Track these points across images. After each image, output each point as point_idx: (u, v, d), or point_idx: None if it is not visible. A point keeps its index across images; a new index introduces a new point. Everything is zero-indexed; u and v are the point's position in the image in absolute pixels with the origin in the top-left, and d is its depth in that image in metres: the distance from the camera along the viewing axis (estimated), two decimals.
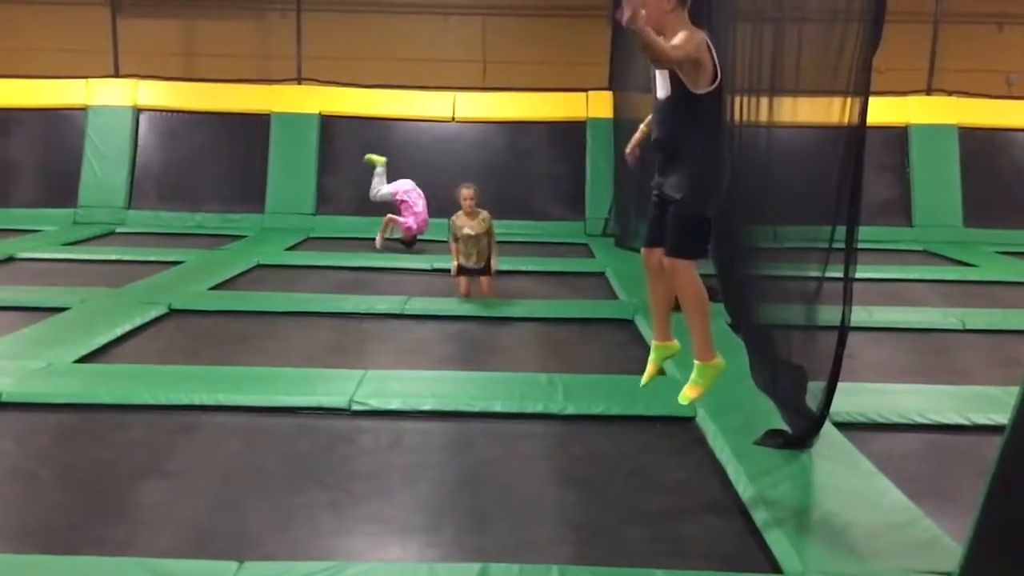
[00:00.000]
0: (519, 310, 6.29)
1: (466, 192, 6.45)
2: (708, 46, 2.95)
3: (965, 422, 4.09)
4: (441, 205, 8.82)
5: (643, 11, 2.92)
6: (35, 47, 11.63)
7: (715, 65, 3.00)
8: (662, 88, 3.06)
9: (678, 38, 2.93)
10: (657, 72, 3.05)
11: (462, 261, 6.49)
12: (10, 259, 8.13)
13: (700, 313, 3.03)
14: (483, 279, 6.59)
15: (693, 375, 3.25)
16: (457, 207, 6.49)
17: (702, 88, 2.96)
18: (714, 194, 3.01)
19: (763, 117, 4.46)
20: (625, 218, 9.99)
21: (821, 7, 4.00)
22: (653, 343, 3.33)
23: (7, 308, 6.03)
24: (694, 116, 2.97)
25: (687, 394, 3.39)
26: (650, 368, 3.53)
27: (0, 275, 7.46)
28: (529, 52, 11.80)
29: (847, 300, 3.25)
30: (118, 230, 10.37)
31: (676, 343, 3.60)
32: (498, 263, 6.66)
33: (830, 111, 3.44)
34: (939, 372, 5.10)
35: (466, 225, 6.44)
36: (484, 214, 6.50)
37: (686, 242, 2.98)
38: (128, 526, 3.03)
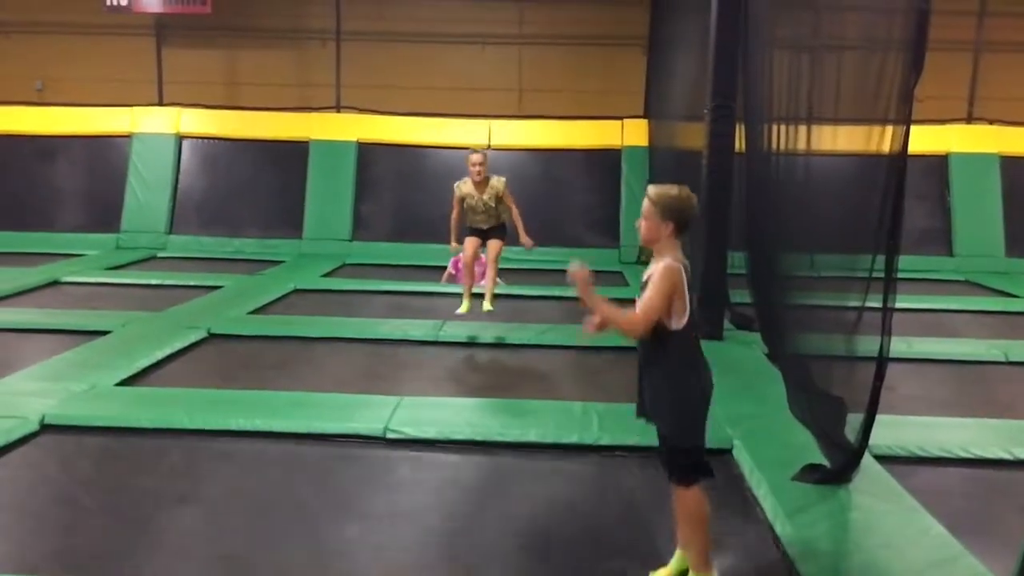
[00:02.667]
0: (553, 337, 6.27)
1: (475, 157, 5.60)
2: (684, 280, 2.88)
3: (1009, 457, 4.00)
4: None
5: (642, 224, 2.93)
6: (83, 77, 11.94)
7: (687, 298, 2.91)
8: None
9: (653, 278, 2.88)
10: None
11: (469, 221, 5.69)
12: (54, 283, 8.30)
13: (700, 530, 2.98)
14: (492, 243, 5.73)
15: (673, 563, 3.13)
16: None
17: (673, 325, 2.88)
18: (699, 421, 2.97)
19: (801, 145, 4.45)
20: None
21: (860, 35, 3.98)
22: (677, 551, 3.15)
23: (51, 331, 6.16)
24: (667, 351, 2.90)
25: None
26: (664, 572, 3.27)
27: (44, 298, 7.61)
28: (565, 80, 11.87)
29: (886, 330, 3.20)
30: (159, 255, 10.55)
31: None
32: (531, 242, 5.85)
33: (870, 139, 3.42)
34: (981, 405, 5.00)
35: (474, 195, 5.63)
36: (495, 180, 5.68)
37: (688, 471, 2.95)
38: (166, 556, 3.05)
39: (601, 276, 9.66)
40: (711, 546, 2.95)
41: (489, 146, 11.43)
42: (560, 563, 3.06)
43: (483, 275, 6.20)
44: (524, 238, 6.00)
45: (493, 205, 5.66)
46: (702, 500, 2.96)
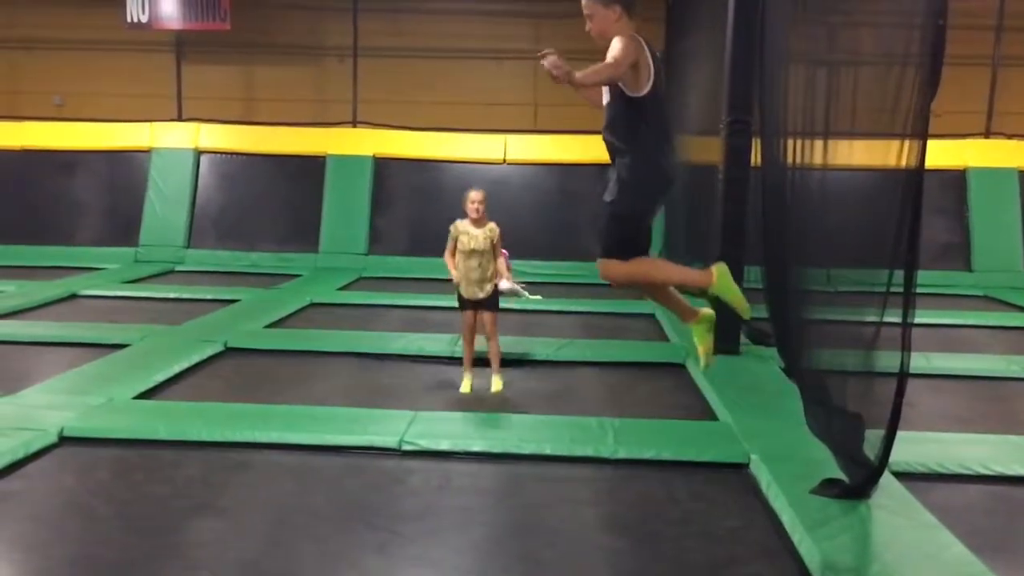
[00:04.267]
0: (568, 352, 6.26)
1: (474, 195, 5.37)
2: (645, 49, 2.93)
3: None
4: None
5: (592, 26, 2.97)
6: (103, 92, 12.09)
7: (652, 67, 2.96)
8: (605, 93, 3.06)
9: (612, 48, 2.92)
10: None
11: (464, 291, 5.32)
12: (73, 296, 8.38)
13: (661, 292, 3.00)
14: (486, 316, 5.33)
15: (695, 341, 3.15)
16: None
17: (640, 91, 2.93)
18: (647, 196, 2.96)
19: (817, 159, 4.43)
20: (675, 260, 9.93)
21: (877, 50, 3.98)
22: (690, 325, 3.18)
23: (70, 344, 6.21)
24: (632, 119, 2.95)
25: (703, 360, 3.25)
26: (701, 349, 3.33)
27: (63, 312, 7.68)
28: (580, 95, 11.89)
29: (906, 346, 3.18)
30: (177, 268, 10.63)
31: (705, 311, 3.44)
32: (517, 287, 5.55)
33: (887, 154, 3.40)
34: (1001, 421, 4.95)
35: (471, 234, 5.32)
36: (492, 225, 5.41)
37: (613, 244, 2.93)
38: (182, 564, 3.06)
39: (616, 291, 9.65)
40: (672, 272, 2.95)
41: (505, 161, 11.48)
42: (570, 563, 3.05)
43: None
44: (506, 275, 5.70)
45: (488, 249, 5.32)
46: (634, 266, 2.94)
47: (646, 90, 2.88)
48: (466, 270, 5.32)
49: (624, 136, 2.96)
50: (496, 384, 5.36)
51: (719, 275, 3.07)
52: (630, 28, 2.92)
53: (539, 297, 8.56)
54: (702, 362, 3.25)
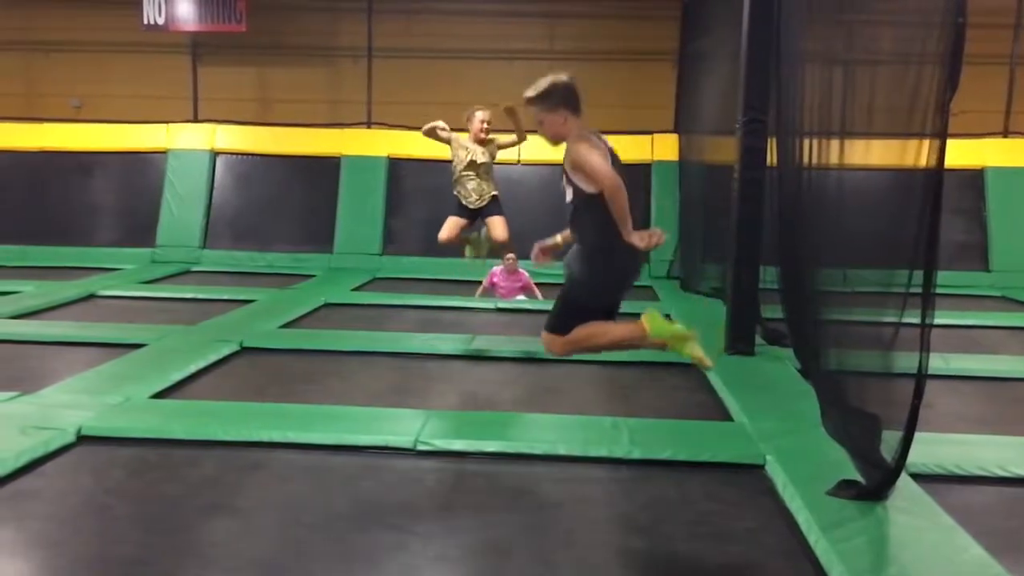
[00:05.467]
0: (582, 353, 6.24)
1: (483, 115, 5.34)
2: (600, 146, 3.05)
3: None
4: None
5: (547, 128, 3.08)
6: (120, 94, 12.17)
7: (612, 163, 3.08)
8: (567, 192, 3.16)
9: (578, 159, 3.02)
10: (564, 179, 3.16)
11: (459, 195, 5.31)
12: (91, 296, 8.44)
13: (600, 343, 3.09)
14: (494, 221, 5.33)
15: (685, 355, 3.18)
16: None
17: (595, 188, 3.03)
18: (598, 289, 3.08)
19: (834, 159, 4.41)
20: (690, 260, 9.92)
21: (894, 49, 3.96)
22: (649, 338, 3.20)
23: (87, 344, 6.25)
24: (588, 213, 3.06)
25: (705, 362, 3.23)
26: (695, 357, 3.29)
27: (81, 312, 7.74)
28: (594, 95, 11.75)
29: (924, 347, 3.16)
30: (193, 269, 10.69)
31: (645, 315, 3.37)
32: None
33: (905, 154, 3.39)
34: (1020, 423, 4.91)
35: (470, 148, 5.25)
36: (494, 136, 5.35)
37: (559, 323, 3.07)
38: (198, 562, 3.08)
39: (631, 291, 9.64)
40: (610, 334, 3.02)
41: (519, 161, 11.48)
42: (585, 563, 3.04)
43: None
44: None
45: (488, 162, 5.38)
46: (571, 340, 3.03)
47: (596, 188, 2.98)
48: (461, 183, 5.41)
49: (580, 230, 3.09)
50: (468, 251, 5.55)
51: (651, 324, 3.11)
52: (579, 126, 3.05)
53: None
54: (708, 364, 3.22)
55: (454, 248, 6.52)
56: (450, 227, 5.89)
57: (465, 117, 5.74)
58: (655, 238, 2.97)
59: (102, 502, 3.58)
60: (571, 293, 3.04)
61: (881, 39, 4.32)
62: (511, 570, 3.06)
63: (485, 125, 5.47)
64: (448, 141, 5.62)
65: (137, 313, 7.71)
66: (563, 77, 3.08)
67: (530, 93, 3.07)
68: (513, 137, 5.66)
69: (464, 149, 5.48)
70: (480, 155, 5.38)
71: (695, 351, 3.10)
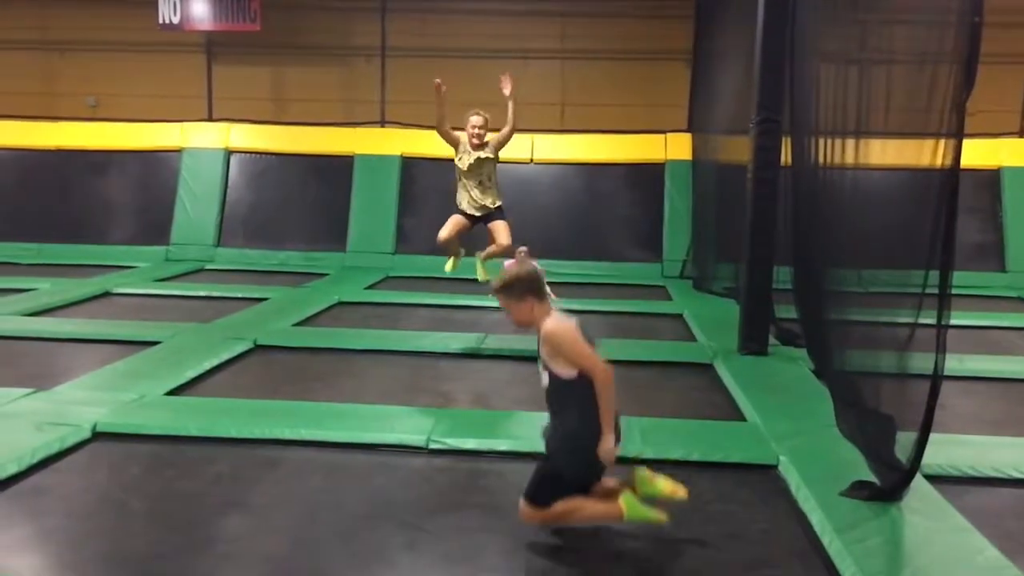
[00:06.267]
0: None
1: (475, 120, 5.29)
2: (578, 329, 3.13)
3: None
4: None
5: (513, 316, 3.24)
6: (135, 93, 12.24)
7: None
8: (543, 377, 3.22)
9: (557, 344, 3.11)
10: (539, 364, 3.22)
11: (466, 208, 5.23)
12: (106, 294, 8.49)
13: (574, 519, 3.25)
14: (497, 227, 5.21)
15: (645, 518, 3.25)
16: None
17: (568, 374, 3.10)
18: (572, 468, 3.15)
19: (849, 159, 4.39)
20: (703, 260, 9.90)
21: (910, 48, 3.94)
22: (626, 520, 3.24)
23: (102, 341, 6.29)
24: (563, 396, 3.14)
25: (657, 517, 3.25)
26: (656, 519, 3.27)
27: (96, 309, 7.79)
28: (607, 95, 11.87)
29: (940, 348, 3.14)
30: (207, 267, 10.74)
31: (625, 497, 3.32)
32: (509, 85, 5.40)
33: (921, 154, 3.37)
34: None
35: (470, 152, 5.23)
36: (489, 137, 5.28)
37: (537, 494, 3.16)
38: (212, 558, 3.09)
39: (644, 291, 9.66)
40: (586, 512, 3.17)
41: (532, 160, 11.48)
42: (597, 563, 3.04)
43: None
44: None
45: (491, 156, 5.33)
46: (552, 510, 3.13)
47: (575, 373, 3.05)
48: (463, 189, 5.37)
49: (560, 414, 3.19)
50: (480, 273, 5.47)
51: (627, 508, 3.16)
52: (545, 311, 3.15)
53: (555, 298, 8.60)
54: (662, 520, 3.19)
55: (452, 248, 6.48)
56: (451, 227, 5.85)
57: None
58: (610, 457, 3.13)
59: (117, 498, 3.60)
60: (551, 470, 3.16)
61: (896, 38, 4.30)
62: (522, 568, 3.06)
63: (476, 130, 5.43)
64: (456, 143, 5.60)
65: (151, 311, 7.75)
66: (526, 267, 3.21)
67: (496, 284, 3.19)
68: (506, 129, 5.59)
69: (467, 153, 5.52)
70: (481, 154, 5.42)
71: (653, 518, 3.20)
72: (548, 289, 8.25)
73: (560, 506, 3.14)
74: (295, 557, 3.10)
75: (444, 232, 6.04)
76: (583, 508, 3.18)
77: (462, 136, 5.63)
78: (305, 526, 3.35)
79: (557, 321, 3.14)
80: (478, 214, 5.81)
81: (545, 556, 3.17)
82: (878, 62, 4.29)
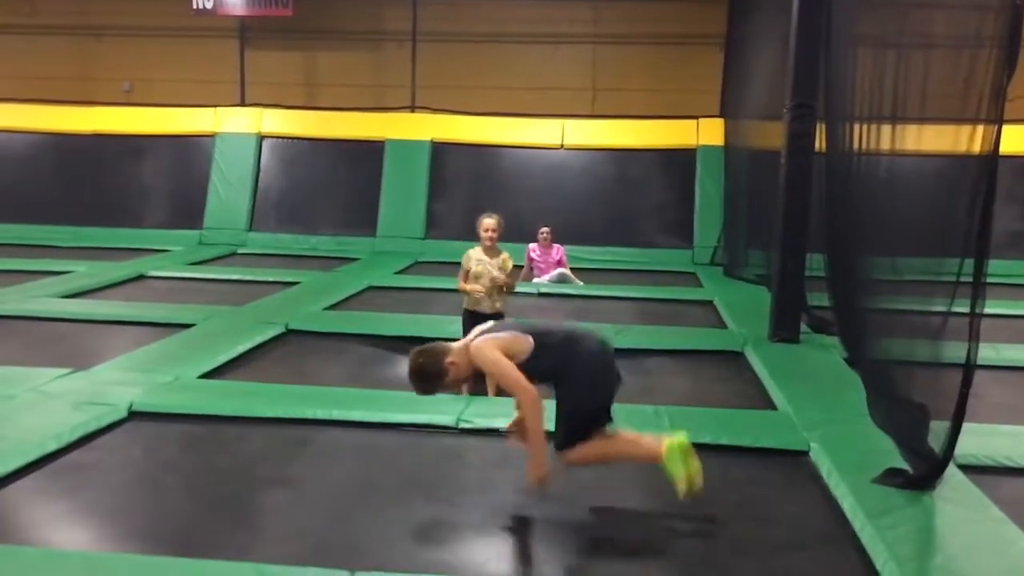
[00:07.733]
0: (625, 338, 6.23)
1: (488, 222, 5.39)
2: (491, 343, 3.27)
3: None
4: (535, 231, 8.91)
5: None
6: (169, 78, 12.36)
7: (533, 337, 3.29)
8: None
9: (488, 371, 3.31)
10: None
11: (469, 304, 5.37)
12: (140, 277, 8.62)
13: (612, 455, 3.36)
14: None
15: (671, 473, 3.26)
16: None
17: (521, 359, 3.25)
18: (586, 396, 3.31)
19: (884, 145, 4.34)
20: (735, 247, 9.83)
21: (949, 32, 3.88)
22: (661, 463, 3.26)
23: (138, 323, 6.39)
24: (536, 379, 3.27)
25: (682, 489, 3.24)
26: (677, 479, 3.24)
27: (131, 292, 7.91)
28: (639, 80, 11.80)
29: (974, 336, 3.11)
30: (239, 251, 10.85)
31: (673, 440, 3.29)
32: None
33: (958, 139, 3.32)
34: None
35: (483, 260, 5.38)
36: (505, 256, 5.45)
37: (563, 438, 3.29)
38: (247, 532, 3.15)
39: (675, 277, 9.60)
40: (627, 451, 3.32)
41: (562, 146, 11.45)
42: (627, 545, 3.05)
43: None
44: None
45: (499, 274, 5.36)
46: (587, 449, 3.27)
47: (525, 357, 3.25)
48: (472, 296, 5.39)
49: (558, 386, 3.37)
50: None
51: (668, 453, 3.17)
52: (464, 347, 3.32)
53: (580, 283, 8.65)
54: (681, 491, 3.17)
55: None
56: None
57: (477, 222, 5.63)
58: (541, 486, 3.24)
59: (153, 475, 3.67)
60: (561, 405, 3.29)
61: (934, 22, 4.23)
62: (551, 545, 3.09)
63: (490, 233, 5.38)
64: (467, 263, 5.49)
65: (185, 294, 7.85)
66: (411, 357, 3.32)
67: (412, 383, 3.31)
68: (509, 281, 5.50)
69: (479, 261, 5.44)
70: (494, 269, 5.38)
71: (680, 479, 3.21)
72: (573, 276, 8.33)
73: (597, 448, 3.23)
74: (329, 532, 3.14)
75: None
76: (622, 445, 3.28)
77: (472, 254, 5.54)
78: (338, 502, 3.40)
79: (479, 343, 3.28)
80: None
81: (577, 532, 3.19)
82: (915, 46, 4.23)
